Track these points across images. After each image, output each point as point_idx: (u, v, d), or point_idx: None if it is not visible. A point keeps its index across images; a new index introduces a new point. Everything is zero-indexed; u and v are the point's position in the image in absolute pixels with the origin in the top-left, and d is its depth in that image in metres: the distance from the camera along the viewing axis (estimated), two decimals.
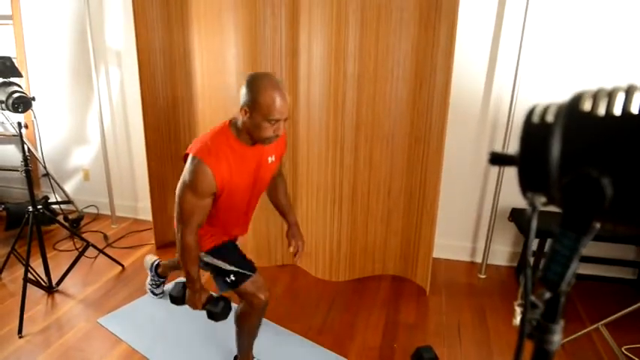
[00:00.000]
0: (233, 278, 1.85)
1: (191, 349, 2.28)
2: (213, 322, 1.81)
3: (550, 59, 2.66)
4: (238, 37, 2.62)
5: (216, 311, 1.76)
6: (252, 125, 1.63)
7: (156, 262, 2.65)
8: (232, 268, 1.87)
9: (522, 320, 0.56)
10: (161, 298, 2.71)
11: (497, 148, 2.87)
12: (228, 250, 1.94)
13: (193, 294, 1.78)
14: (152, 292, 2.69)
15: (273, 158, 1.86)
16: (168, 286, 1.83)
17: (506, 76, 2.75)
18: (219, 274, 1.89)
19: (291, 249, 2.07)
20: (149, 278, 2.70)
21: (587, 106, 0.47)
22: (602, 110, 0.46)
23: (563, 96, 0.51)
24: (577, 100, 0.49)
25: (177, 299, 1.83)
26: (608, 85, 0.48)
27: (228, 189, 1.70)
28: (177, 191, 1.69)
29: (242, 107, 1.63)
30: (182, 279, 1.85)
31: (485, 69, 2.79)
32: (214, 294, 1.83)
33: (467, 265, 3.16)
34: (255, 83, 1.60)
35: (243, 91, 1.63)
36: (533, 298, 0.56)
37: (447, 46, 2.38)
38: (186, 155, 1.70)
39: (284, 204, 2.12)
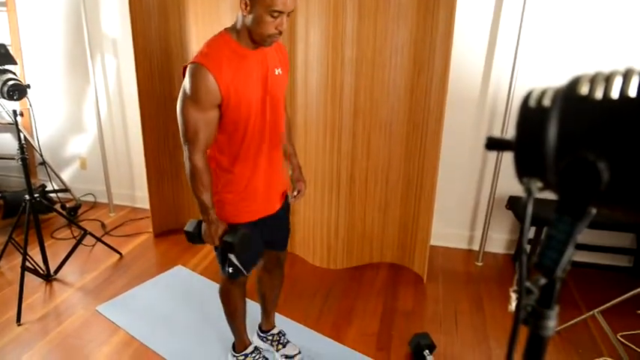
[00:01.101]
0: (230, 271, 1.79)
1: (189, 337, 2.30)
2: (234, 256, 1.65)
3: (549, 44, 2.65)
4: None
5: (234, 241, 1.59)
6: (253, 21, 1.48)
7: (257, 330, 2.25)
8: (238, 264, 1.77)
9: (517, 306, 0.56)
10: (165, 284, 2.72)
11: (495, 134, 2.86)
12: (250, 239, 1.73)
13: (209, 226, 1.64)
14: (288, 357, 2.16)
15: (280, 71, 1.68)
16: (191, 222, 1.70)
17: (505, 61, 2.73)
18: (223, 257, 1.79)
19: (295, 192, 1.95)
20: (273, 350, 2.19)
21: (584, 89, 0.47)
22: (599, 94, 0.45)
23: (562, 81, 0.50)
24: (574, 84, 0.48)
25: (192, 235, 1.69)
26: (607, 69, 0.48)
27: (235, 97, 1.53)
28: (177, 106, 1.55)
29: (241, 0, 1.49)
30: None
31: (484, 55, 2.77)
32: (231, 225, 1.68)
33: (464, 253, 3.17)
34: None
35: None
36: (528, 284, 0.56)
37: (446, 31, 2.36)
38: (184, 68, 1.55)
39: (288, 144, 1.94)
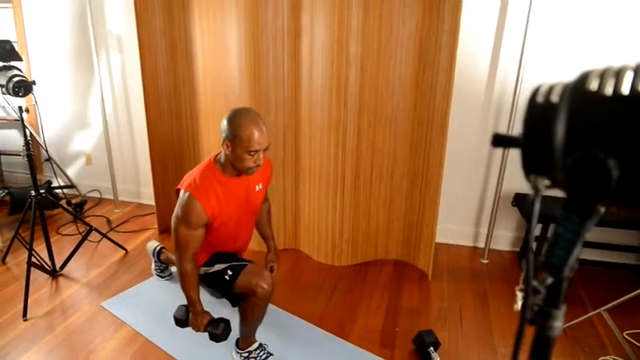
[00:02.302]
0: (230, 272, 1.92)
1: (194, 333, 2.29)
2: (215, 343, 1.89)
3: (557, 38, 2.62)
4: (240, 19, 2.58)
5: (217, 332, 1.85)
6: (234, 157, 1.77)
7: (158, 248, 2.67)
8: (226, 264, 1.95)
9: (524, 305, 0.55)
10: (168, 280, 2.73)
11: (501, 130, 2.84)
12: (218, 255, 2.02)
13: (195, 316, 1.88)
14: (159, 276, 2.74)
15: (261, 186, 2.01)
16: (174, 307, 1.95)
17: (512, 56, 2.70)
18: (217, 279, 1.95)
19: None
20: (153, 264, 2.73)
21: (593, 85, 0.46)
22: (609, 89, 0.44)
23: (571, 76, 0.49)
24: (583, 79, 0.47)
25: (180, 321, 1.92)
26: (617, 64, 0.46)
27: (219, 219, 1.84)
28: (171, 224, 1.84)
29: (224, 141, 1.76)
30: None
31: (491, 49, 2.74)
32: (215, 318, 1.90)
33: (469, 250, 3.15)
34: (235, 119, 1.74)
35: (224, 125, 1.75)
36: (535, 283, 0.55)
37: (452, 26, 2.34)
38: (178, 190, 1.85)
39: (266, 229, 2.28)
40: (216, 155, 1.89)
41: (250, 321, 2.01)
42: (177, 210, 1.81)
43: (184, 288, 1.87)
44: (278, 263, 2.26)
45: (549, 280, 0.55)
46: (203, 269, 1.99)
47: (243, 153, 1.73)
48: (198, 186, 1.78)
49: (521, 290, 0.56)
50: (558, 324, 0.56)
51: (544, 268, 0.51)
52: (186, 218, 1.77)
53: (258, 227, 2.28)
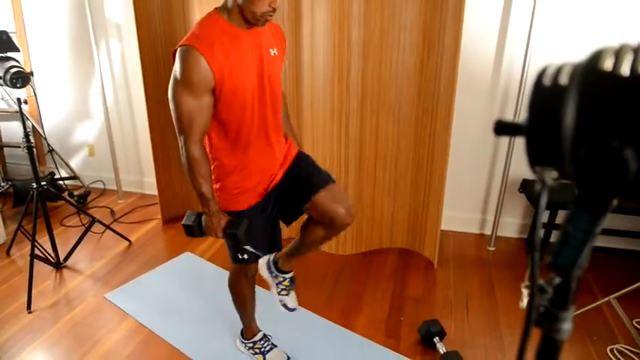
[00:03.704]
0: (245, 257, 1.67)
1: (198, 324, 2.29)
2: (238, 247, 1.58)
3: (566, 21, 2.53)
4: None
5: (239, 232, 1.51)
6: None
7: (271, 259, 1.86)
8: (249, 248, 1.64)
9: (529, 306, 0.50)
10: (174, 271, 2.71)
11: (508, 116, 2.77)
12: (254, 226, 1.65)
13: (211, 218, 1.55)
14: (285, 307, 1.93)
15: (276, 51, 1.58)
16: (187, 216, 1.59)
17: (519, 40, 2.62)
18: (234, 246, 1.69)
19: None
20: (274, 287, 1.89)
21: (607, 64, 0.40)
22: (625, 69, 0.39)
23: (582, 56, 0.44)
24: (596, 58, 0.42)
25: (192, 228, 1.59)
26: (634, 42, 0.41)
27: (229, 80, 1.44)
28: (169, 94, 1.47)
29: None
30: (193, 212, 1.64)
31: (497, 32, 2.66)
32: (234, 217, 1.59)
33: (476, 238, 3.10)
34: None
35: None
36: (541, 282, 0.50)
37: (456, 9, 2.27)
38: (174, 53, 1.47)
39: (285, 123, 1.82)
40: (221, 5, 1.50)
41: (239, 298, 1.89)
42: (174, 72, 1.44)
43: (193, 180, 1.52)
44: (301, 148, 1.89)
45: (557, 280, 0.50)
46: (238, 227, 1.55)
47: None
48: (199, 36, 1.41)
49: (526, 287, 0.52)
50: (566, 327, 0.52)
51: (551, 269, 0.47)
52: (188, 78, 1.40)
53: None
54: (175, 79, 1.44)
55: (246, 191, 1.66)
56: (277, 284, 1.87)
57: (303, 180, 1.69)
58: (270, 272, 1.85)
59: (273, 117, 1.63)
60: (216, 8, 1.49)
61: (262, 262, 1.82)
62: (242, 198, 1.66)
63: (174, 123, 1.49)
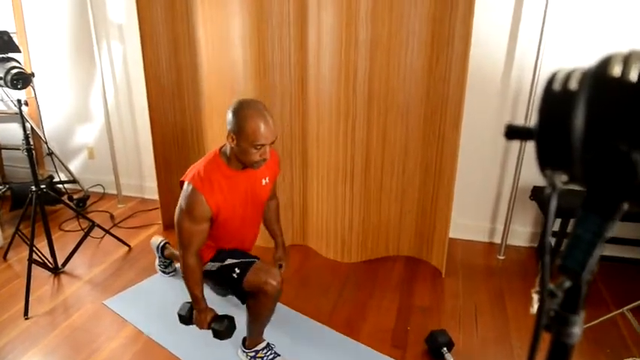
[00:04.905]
0: (238, 271, 1.91)
1: (199, 332, 2.29)
2: (219, 340, 1.91)
3: (579, 23, 2.55)
4: (243, 6, 2.55)
5: (220, 329, 1.86)
6: (240, 151, 1.75)
7: (162, 244, 2.68)
8: (233, 260, 1.95)
9: (539, 310, 0.52)
10: (173, 275, 2.74)
11: (519, 121, 2.79)
12: (225, 252, 2.02)
13: (199, 314, 1.89)
14: (163, 272, 2.75)
15: (267, 180, 2.00)
16: (179, 305, 1.98)
17: (530, 42, 2.64)
18: (225, 276, 1.94)
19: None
20: (157, 260, 2.74)
21: (616, 70, 0.43)
22: (634, 75, 0.41)
23: (592, 61, 0.46)
24: (605, 64, 0.44)
25: (184, 318, 1.94)
26: None
27: (224, 212, 1.83)
28: (175, 218, 1.84)
29: (229, 134, 1.75)
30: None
31: (508, 34, 2.69)
32: (220, 314, 1.92)
33: (485, 246, 3.11)
34: (240, 111, 1.72)
35: (230, 118, 1.73)
36: (551, 286, 0.52)
37: (466, 10, 2.29)
38: (182, 182, 1.85)
39: (274, 226, 2.28)
40: (222, 147, 1.88)
41: (258, 319, 2.01)
42: (180, 203, 1.81)
43: (188, 284, 1.87)
44: (287, 260, 2.27)
45: (567, 284, 0.52)
46: (210, 264, 2.00)
47: (249, 147, 1.72)
48: (203, 178, 1.78)
49: (537, 293, 0.54)
50: (577, 331, 0.54)
51: (561, 272, 0.48)
52: (190, 212, 1.77)
53: (266, 224, 2.28)
54: (181, 208, 1.81)
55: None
56: None
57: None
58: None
59: (254, 225, 2.10)
60: (219, 151, 1.86)
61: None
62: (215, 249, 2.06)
63: (177, 239, 1.85)
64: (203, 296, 1.90)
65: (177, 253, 2.41)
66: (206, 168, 1.82)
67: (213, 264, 2.00)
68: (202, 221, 1.80)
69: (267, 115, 1.73)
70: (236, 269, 1.91)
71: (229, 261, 1.95)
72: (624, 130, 0.41)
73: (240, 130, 1.71)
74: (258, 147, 1.72)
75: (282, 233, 2.32)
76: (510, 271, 2.82)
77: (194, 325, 1.94)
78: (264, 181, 1.98)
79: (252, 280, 1.87)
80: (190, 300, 1.92)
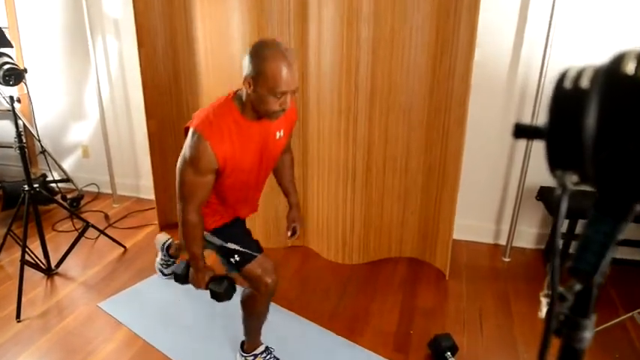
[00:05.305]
0: (237, 258, 1.84)
1: (196, 335, 2.30)
2: (216, 302, 1.81)
3: (588, 18, 2.55)
4: (242, 1, 2.55)
5: (219, 291, 1.76)
6: (257, 99, 1.59)
7: (168, 242, 2.61)
8: (236, 247, 1.86)
9: (548, 314, 0.52)
10: (170, 279, 2.73)
11: (525, 118, 2.79)
12: (232, 229, 1.93)
13: (196, 273, 1.80)
14: (161, 272, 2.65)
15: (282, 133, 1.81)
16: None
17: (537, 38, 2.63)
18: (223, 254, 1.89)
19: (289, 233, 2.12)
20: (159, 257, 2.63)
21: (630, 68, 0.43)
22: None
23: (604, 58, 0.46)
24: (618, 61, 0.44)
25: (180, 277, 1.86)
26: None
27: (231, 166, 1.68)
28: (177, 167, 1.69)
29: (245, 79, 1.58)
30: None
31: (514, 30, 2.69)
32: (219, 274, 1.84)
33: (490, 248, 3.12)
34: (260, 52, 1.55)
35: (246, 60, 1.57)
36: (561, 289, 0.52)
37: (471, 4, 2.29)
38: (187, 128, 1.68)
39: (288, 183, 2.13)
40: (237, 91, 1.71)
41: (253, 317, 2.00)
42: (184, 151, 1.66)
43: (186, 240, 1.77)
44: (301, 223, 2.15)
45: (578, 286, 0.52)
46: (213, 237, 1.90)
47: (268, 94, 1.55)
48: (212, 123, 1.62)
49: (545, 296, 0.54)
50: (587, 335, 0.54)
51: (572, 275, 0.49)
52: (195, 162, 1.62)
53: (279, 181, 2.14)
54: (184, 159, 1.66)
55: (227, 215, 1.96)
56: None
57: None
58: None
59: (262, 181, 1.95)
60: (234, 95, 1.70)
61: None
62: (225, 216, 1.94)
63: (177, 191, 1.72)
64: (202, 255, 1.80)
65: (182, 244, 2.29)
66: (216, 112, 1.65)
67: (216, 239, 1.90)
68: (207, 173, 1.65)
69: (291, 58, 1.55)
70: (236, 256, 1.85)
71: (231, 245, 1.86)
72: (637, 130, 0.41)
73: (258, 73, 1.54)
74: (279, 95, 1.56)
75: (297, 191, 2.17)
76: (516, 273, 2.83)
77: (190, 285, 1.86)
78: (278, 134, 1.80)
79: (249, 272, 1.85)
80: (186, 261, 1.85)
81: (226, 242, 1.88)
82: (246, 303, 1.96)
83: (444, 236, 2.75)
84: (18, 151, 2.61)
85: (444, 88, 2.53)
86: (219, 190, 1.80)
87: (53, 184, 3.76)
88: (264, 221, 2.99)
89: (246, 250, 1.86)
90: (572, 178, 0.46)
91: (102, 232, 3.07)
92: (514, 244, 3.01)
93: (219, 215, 1.91)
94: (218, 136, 1.61)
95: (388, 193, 2.81)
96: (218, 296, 1.78)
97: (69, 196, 3.71)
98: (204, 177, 1.66)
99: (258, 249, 1.91)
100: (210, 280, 1.80)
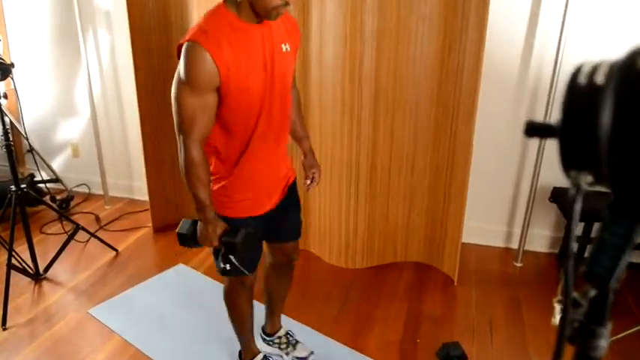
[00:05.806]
0: (228, 267, 1.66)
1: (191, 343, 2.31)
2: (236, 265, 1.60)
3: (604, 10, 2.55)
4: None
5: (236, 241, 1.55)
6: None
7: (260, 333, 2.25)
8: (236, 262, 1.65)
9: (562, 321, 0.52)
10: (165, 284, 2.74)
11: (538, 115, 2.79)
12: (254, 242, 1.77)
13: (206, 226, 1.59)
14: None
15: (288, 47, 1.64)
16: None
17: (551, 31, 2.64)
18: (219, 254, 1.70)
19: (308, 181, 1.95)
20: (282, 354, 2.21)
21: None
22: None
23: (619, 53, 0.46)
24: (635, 56, 0.44)
25: (186, 237, 1.64)
26: None
27: (236, 79, 1.50)
28: (172, 92, 1.54)
29: None
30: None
31: (526, 22, 2.69)
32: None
33: (501, 252, 3.12)
34: None
35: None
36: (575, 295, 0.53)
37: None
38: (179, 48, 1.51)
39: (298, 124, 1.94)
40: None
41: (236, 315, 2.01)
42: (178, 70, 1.50)
43: (190, 184, 1.57)
44: (319, 169, 1.99)
45: (592, 292, 0.53)
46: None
47: None
48: (207, 33, 1.45)
49: (559, 302, 0.54)
50: (603, 343, 0.54)
51: (586, 279, 0.49)
52: (193, 78, 1.46)
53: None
54: (179, 77, 1.50)
55: (248, 199, 1.72)
56: (281, 348, 2.20)
57: (287, 219, 1.94)
58: (269, 343, 2.20)
59: (281, 119, 1.69)
60: (224, 1, 1.53)
61: (259, 340, 2.17)
62: (243, 205, 1.72)
63: (175, 122, 1.55)
64: (211, 202, 1.59)
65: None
66: (209, 21, 1.49)
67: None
68: (207, 90, 1.48)
69: None
70: (227, 266, 1.65)
71: (231, 256, 1.63)
72: None
73: None
74: None
75: (309, 135, 2.02)
76: (528, 279, 2.83)
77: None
78: (284, 47, 1.62)
79: (227, 279, 1.87)
80: (191, 218, 1.65)
81: (236, 235, 1.65)
82: (227, 297, 1.94)
83: (452, 239, 2.75)
84: (4, 150, 2.61)
85: (453, 83, 2.53)
86: (234, 127, 1.61)
87: (41, 185, 3.77)
88: None
89: (239, 267, 1.67)
90: (586, 179, 0.46)
91: (93, 234, 3.08)
92: (526, 248, 3.01)
93: (248, 193, 1.71)
94: (215, 41, 1.44)
95: (394, 194, 2.81)
96: (237, 248, 1.56)
97: (58, 197, 3.72)
98: (204, 96, 1.49)
99: (254, 268, 1.81)
100: (224, 233, 1.59)
